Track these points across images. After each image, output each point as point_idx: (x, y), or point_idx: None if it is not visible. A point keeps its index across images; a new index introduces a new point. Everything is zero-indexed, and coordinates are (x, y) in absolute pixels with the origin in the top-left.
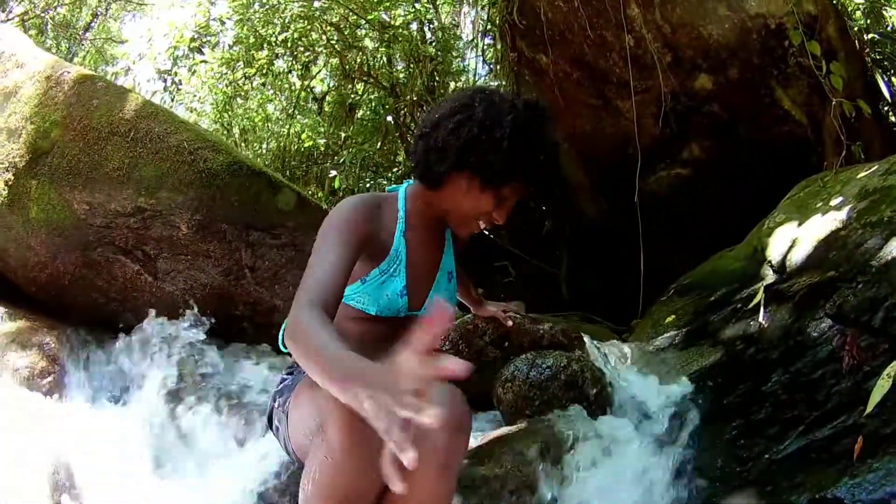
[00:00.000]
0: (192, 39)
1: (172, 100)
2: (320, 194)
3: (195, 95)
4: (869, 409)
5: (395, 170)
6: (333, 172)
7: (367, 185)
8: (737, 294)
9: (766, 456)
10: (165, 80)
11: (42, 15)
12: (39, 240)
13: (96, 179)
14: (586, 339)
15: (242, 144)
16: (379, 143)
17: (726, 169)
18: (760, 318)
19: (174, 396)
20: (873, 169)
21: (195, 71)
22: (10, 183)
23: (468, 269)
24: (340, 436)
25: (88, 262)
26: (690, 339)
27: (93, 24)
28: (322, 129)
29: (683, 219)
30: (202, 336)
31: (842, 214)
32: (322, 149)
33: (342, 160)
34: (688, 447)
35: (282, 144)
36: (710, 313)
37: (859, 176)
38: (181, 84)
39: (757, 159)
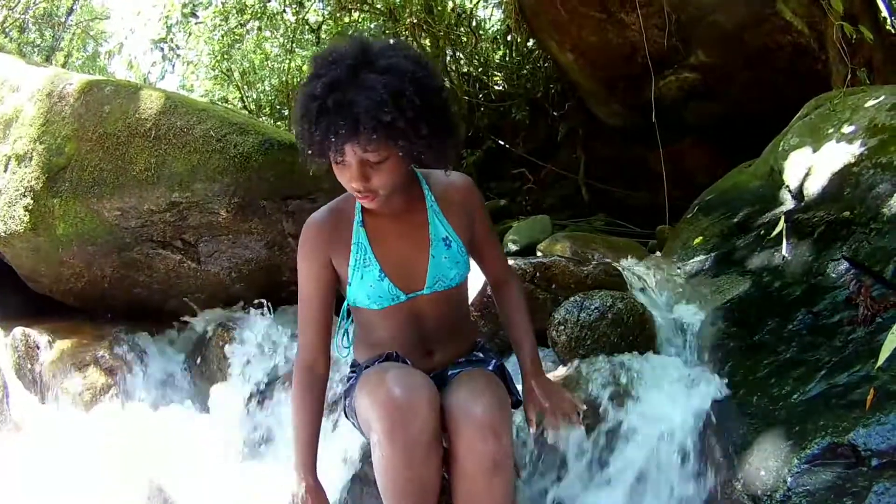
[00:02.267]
0: (184, 5)
1: (173, 67)
2: None
3: (194, 53)
4: (879, 362)
5: None
6: None
7: None
8: (758, 217)
9: (794, 397)
10: (162, 49)
11: (22, 16)
12: (71, 253)
13: (124, 185)
14: (626, 274)
15: (245, 87)
16: None
17: (733, 73)
18: (784, 251)
19: (251, 383)
20: (880, 100)
21: (191, 33)
22: (30, 207)
23: (497, 220)
24: (381, 431)
25: (127, 263)
26: (719, 265)
27: (75, 6)
28: None
29: (694, 120)
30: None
31: (853, 148)
32: None
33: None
34: (727, 382)
35: (283, 80)
36: (735, 237)
37: (867, 105)
38: (179, 49)
39: (762, 65)
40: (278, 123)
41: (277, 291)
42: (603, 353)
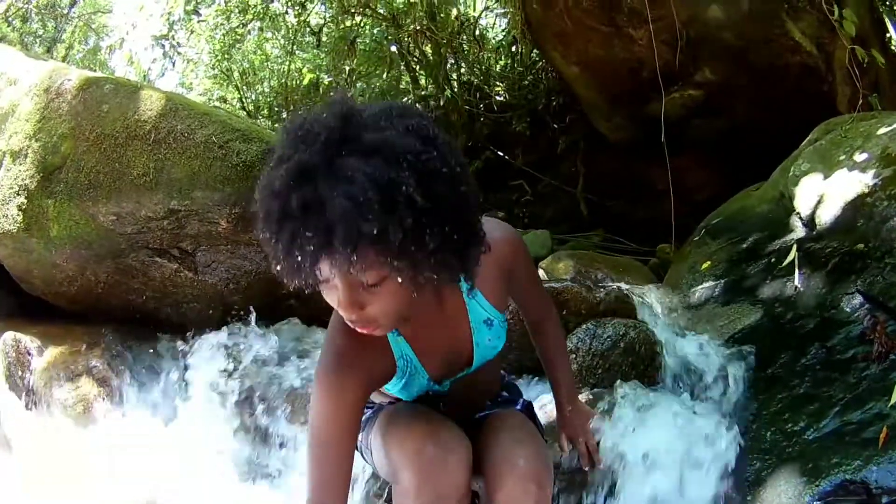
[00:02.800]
0: (187, 2)
1: (173, 65)
2: None
3: (194, 51)
4: (893, 401)
5: (403, 98)
6: None
7: None
8: (768, 244)
9: (808, 433)
10: (164, 46)
11: (25, 6)
12: (65, 256)
13: (121, 189)
14: (636, 301)
15: (244, 88)
16: (384, 74)
17: (739, 92)
18: (796, 281)
19: (243, 398)
20: (893, 127)
21: (193, 30)
22: (23, 207)
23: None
24: (409, 486)
25: (122, 269)
26: (729, 293)
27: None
28: (322, 63)
29: (696, 137)
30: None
31: (866, 178)
32: (326, 83)
33: (350, 94)
34: (740, 417)
35: (283, 82)
36: (745, 264)
37: (879, 132)
38: (180, 47)
39: (769, 84)
40: (276, 126)
41: (276, 304)
42: (614, 382)
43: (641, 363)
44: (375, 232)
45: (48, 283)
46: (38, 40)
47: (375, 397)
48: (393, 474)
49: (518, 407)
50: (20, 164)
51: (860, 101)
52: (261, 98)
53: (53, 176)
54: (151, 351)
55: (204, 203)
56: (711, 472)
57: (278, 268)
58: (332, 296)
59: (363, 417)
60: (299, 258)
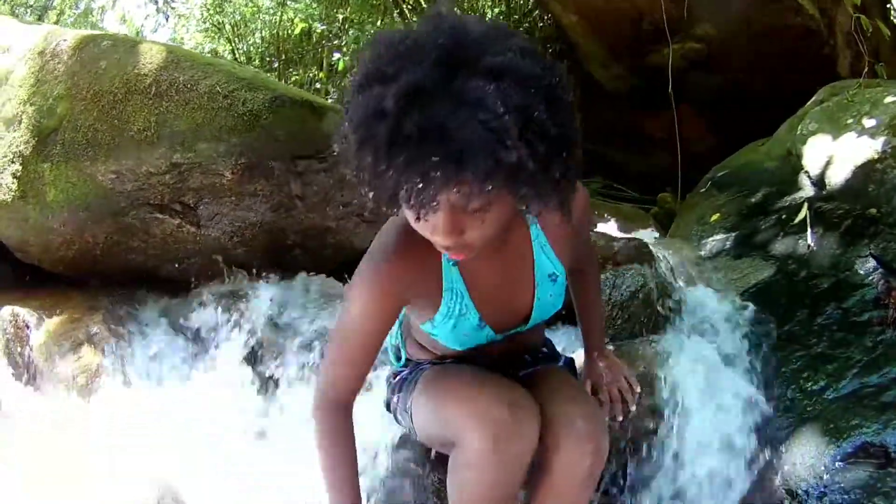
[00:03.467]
0: None
1: (167, 19)
2: (322, 75)
3: (186, 6)
4: None
5: None
6: (337, 55)
7: None
8: (777, 200)
9: (827, 393)
10: (157, 2)
11: None
12: (62, 220)
13: (120, 146)
14: (653, 250)
15: (235, 40)
16: (379, 21)
17: (738, 48)
18: (809, 240)
19: (253, 359)
20: None
21: None
22: (18, 174)
23: None
24: (478, 450)
25: (121, 228)
26: (741, 247)
27: None
28: (315, 12)
29: (695, 91)
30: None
31: (876, 144)
32: (319, 32)
33: (344, 42)
34: (759, 372)
35: (274, 32)
36: (755, 218)
37: (887, 101)
38: (174, 2)
39: (769, 43)
40: (268, 74)
41: (281, 255)
42: (633, 333)
43: (659, 315)
44: (515, 160)
45: (45, 249)
46: (28, 10)
47: (416, 353)
48: (454, 438)
49: (561, 363)
50: (14, 131)
51: (865, 69)
52: (252, 49)
53: (49, 139)
54: (154, 312)
55: (208, 155)
56: (742, 428)
57: (370, 193)
58: (427, 222)
59: (398, 378)
60: (416, 188)
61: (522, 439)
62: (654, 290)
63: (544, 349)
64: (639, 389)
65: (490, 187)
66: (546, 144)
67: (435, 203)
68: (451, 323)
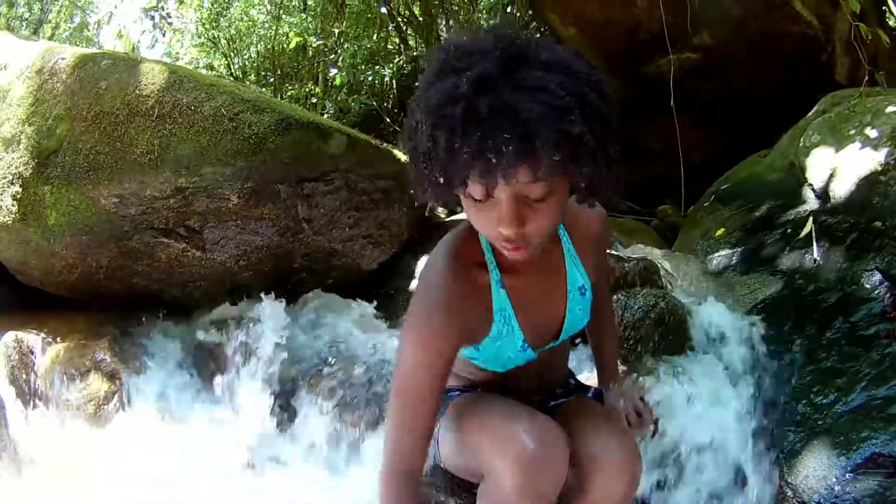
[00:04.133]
0: None
1: (164, 35)
2: (318, 90)
3: (182, 21)
4: None
5: (395, 59)
6: (334, 71)
7: (369, 79)
8: (782, 214)
9: (837, 407)
10: (153, 18)
11: None
12: (64, 244)
13: (123, 169)
14: (663, 271)
15: (231, 54)
16: (374, 35)
17: (736, 57)
18: (815, 254)
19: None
20: None
21: (182, 0)
22: (18, 196)
23: None
24: (510, 487)
25: (125, 253)
26: (747, 263)
27: None
28: (310, 27)
29: (692, 100)
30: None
31: (879, 156)
32: (314, 46)
33: (340, 57)
34: (771, 387)
35: (269, 46)
36: (760, 233)
37: (888, 111)
38: (170, 18)
39: (767, 52)
40: (263, 90)
41: (288, 279)
42: (645, 353)
43: (671, 334)
44: (578, 132)
45: (47, 272)
46: (24, 24)
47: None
48: (485, 470)
49: (590, 395)
50: (13, 152)
51: (865, 77)
52: (248, 63)
53: (49, 160)
54: (160, 336)
55: (214, 179)
56: (748, 443)
57: (441, 180)
58: (488, 213)
59: None
60: (490, 163)
61: (554, 475)
62: (665, 309)
63: (572, 381)
64: (656, 415)
65: (558, 156)
66: (601, 125)
67: (496, 182)
68: (497, 345)
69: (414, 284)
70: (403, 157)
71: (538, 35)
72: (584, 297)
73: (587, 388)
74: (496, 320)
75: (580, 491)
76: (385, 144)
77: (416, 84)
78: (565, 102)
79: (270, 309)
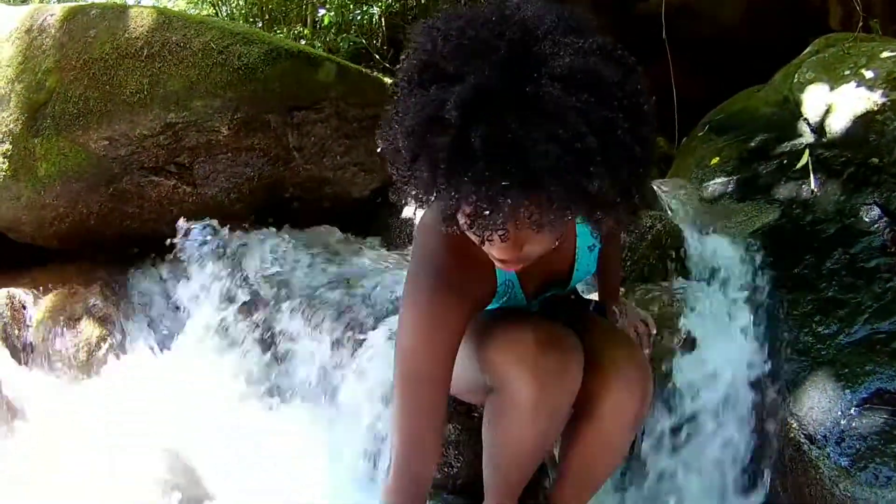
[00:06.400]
0: None
1: None
2: (307, 32)
3: None
4: None
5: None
6: (322, 11)
7: (357, 17)
8: (777, 145)
9: (840, 338)
10: None
11: None
12: (54, 193)
13: (112, 111)
14: (659, 193)
15: (219, 3)
16: None
17: None
18: (812, 185)
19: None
20: None
21: None
22: (8, 153)
23: None
24: (524, 397)
25: (116, 195)
26: (744, 191)
27: None
28: None
29: (681, 40)
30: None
31: (875, 96)
32: None
33: None
34: (771, 314)
35: None
36: (756, 163)
37: (883, 55)
38: None
39: None
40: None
41: (280, 209)
42: (642, 276)
43: (668, 257)
44: (596, 189)
45: (38, 226)
46: None
47: None
48: (496, 383)
49: (592, 309)
50: (3, 112)
51: (860, 23)
52: (235, 11)
53: (39, 113)
54: (153, 277)
55: (204, 112)
56: (749, 370)
57: (424, 202)
58: (477, 225)
59: None
60: (484, 214)
61: (569, 384)
62: (662, 231)
63: (573, 296)
64: (654, 331)
65: (568, 213)
66: (628, 168)
67: (501, 232)
68: (499, 304)
69: (406, 212)
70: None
71: None
72: (592, 252)
73: (588, 301)
74: (500, 290)
75: (589, 407)
76: (375, 73)
77: (400, 58)
78: (586, 144)
79: (262, 237)
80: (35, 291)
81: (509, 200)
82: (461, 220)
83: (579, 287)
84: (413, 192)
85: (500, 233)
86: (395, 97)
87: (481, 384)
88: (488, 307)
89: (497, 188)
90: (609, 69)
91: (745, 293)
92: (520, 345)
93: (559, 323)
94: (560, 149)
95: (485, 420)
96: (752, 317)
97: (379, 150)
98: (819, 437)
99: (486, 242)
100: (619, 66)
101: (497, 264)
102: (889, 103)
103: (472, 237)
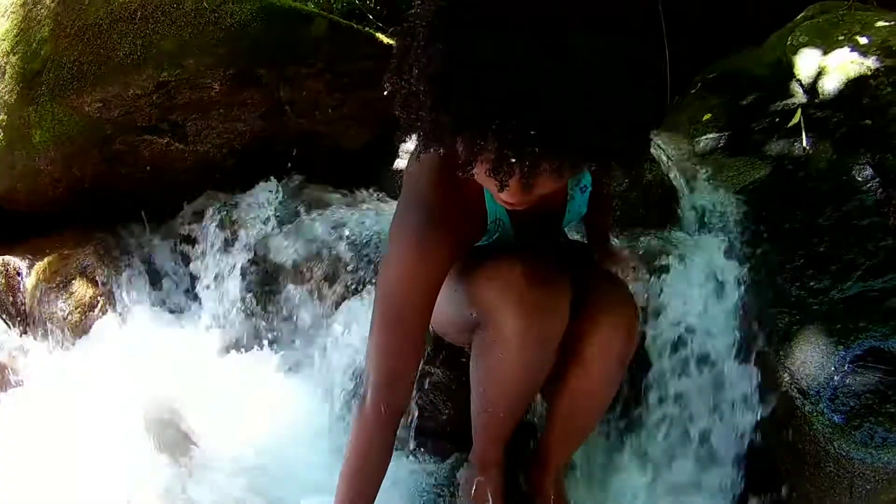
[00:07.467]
0: None
1: None
2: None
3: None
4: None
5: None
6: None
7: None
8: (770, 104)
9: (832, 293)
10: None
11: None
12: (49, 159)
13: (106, 74)
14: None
15: None
16: None
17: None
18: (804, 142)
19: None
20: (891, 24)
21: None
22: (3, 124)
23: None
24: (512, 331)
25: (109, 157)
26: (735, 146)
27: None
28: None
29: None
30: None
31: (869, 61)
32: None
33: None
34: (762, 266)
35: None
36: (747, 120)
37: (877, 24)
38: None
39: None
40: None
41: (273, 163)
42: (631, 226)
43: (657, 207)
44: (619, 147)
45: (32, 192)
46: None
47: None
48: (484, 317)
49: (580, 251)
50: None
51: None
52: None
53: (34, 81)
54: (147, 236)
55: (196, 69)
56: (738, 322)
57: (434, 144)
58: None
59: None
60: (510, 160)
61: (557, 319)
62: (653, 182)
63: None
64: (644, 273)
65: (590, 166)
66: (652, 121)
67: (524, 179)
68: (485, 243)
69: (399, 164)
70: (386, 40)
71: None
72: (584, 193)
73: (576, 243)
74: (490, 228)
75: (576, 345)
76: (367, 28)
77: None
78: (615, 96)
79: (254, 192)
80: (31, 257)
81: (536, 150)
82: (478, 166)
83: (568, 233)
84: (429, 137)
85: (523, 180)
86: (414, 41)
87: (468, 321)
88: (477, 244)
89: (525, 137)
90: (636, 21)
91: (737, 246)
92: (507, 277)
93: (549, 261)
94: (588, 101)
95: (472, 359)
96: (743, 269)
97: (385, 92)
98: (812, 392)
99: (504, 188)
100: (643, 19)
101: (504, 205)
102: (883, 69)
103: (488, 183)
